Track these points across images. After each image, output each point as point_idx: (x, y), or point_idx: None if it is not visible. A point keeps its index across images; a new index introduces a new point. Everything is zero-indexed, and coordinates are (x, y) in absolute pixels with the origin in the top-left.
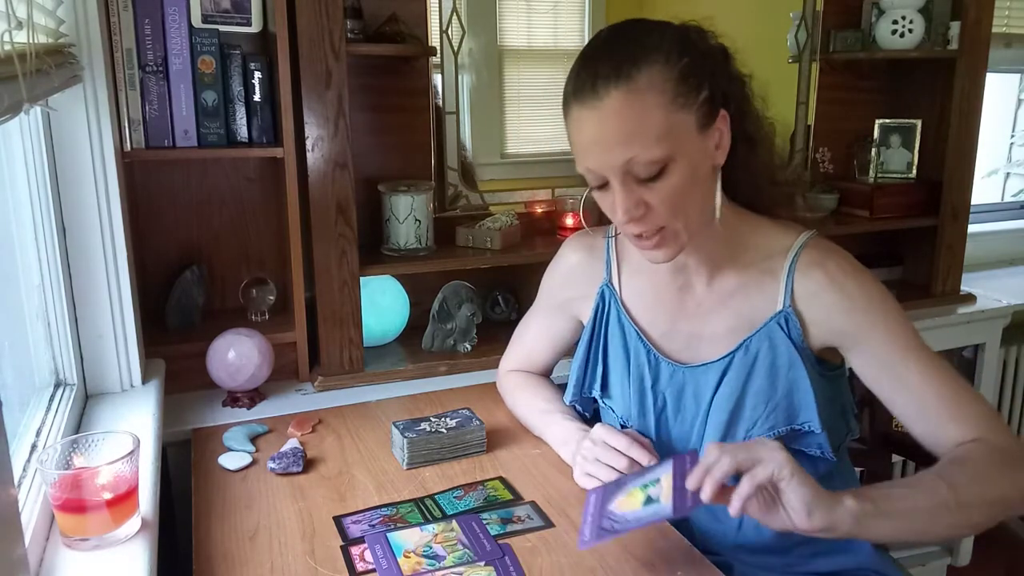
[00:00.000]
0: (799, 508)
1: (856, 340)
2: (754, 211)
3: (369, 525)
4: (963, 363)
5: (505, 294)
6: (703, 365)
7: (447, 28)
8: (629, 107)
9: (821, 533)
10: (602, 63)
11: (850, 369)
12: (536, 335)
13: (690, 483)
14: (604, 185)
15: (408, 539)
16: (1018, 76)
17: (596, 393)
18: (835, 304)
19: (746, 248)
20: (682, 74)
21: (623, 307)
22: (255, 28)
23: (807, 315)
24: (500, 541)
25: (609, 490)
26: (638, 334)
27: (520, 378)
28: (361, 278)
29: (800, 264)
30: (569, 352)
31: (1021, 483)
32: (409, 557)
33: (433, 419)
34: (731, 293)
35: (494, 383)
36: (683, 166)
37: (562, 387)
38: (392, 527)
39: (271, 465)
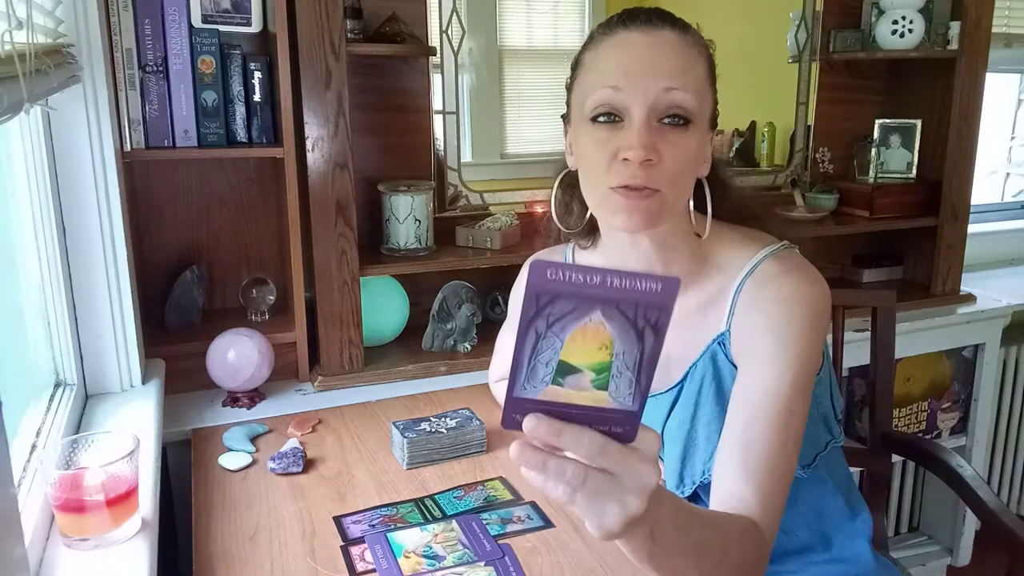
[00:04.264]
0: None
1: (742, 357)
2: (727, 221)
3: (369, 525)
4: (963, 363)
5: (505, 294)
6: (652, 396)
7: (447, 28)
8: (683, 48)
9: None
10: (655, 11)
11: (850, 369)
12: None
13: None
14: (614, 120)
15: (408, 539)
16: (1018, 76)
17: None
18: (752, 324)
19: (708, 264)
20: (711, 67)
21: None
22: (255, 28)
23: (733, 331)
24: (500, 541)
25: None
26: None
27: None
28: (361, 278)
29: (748, 282)
30: None
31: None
32: (409, 557)
33: (433, 419)
34: (688, 315)
35: None
36: (696, 136)
37: None
38: (392, 527)
39: (271, 465)
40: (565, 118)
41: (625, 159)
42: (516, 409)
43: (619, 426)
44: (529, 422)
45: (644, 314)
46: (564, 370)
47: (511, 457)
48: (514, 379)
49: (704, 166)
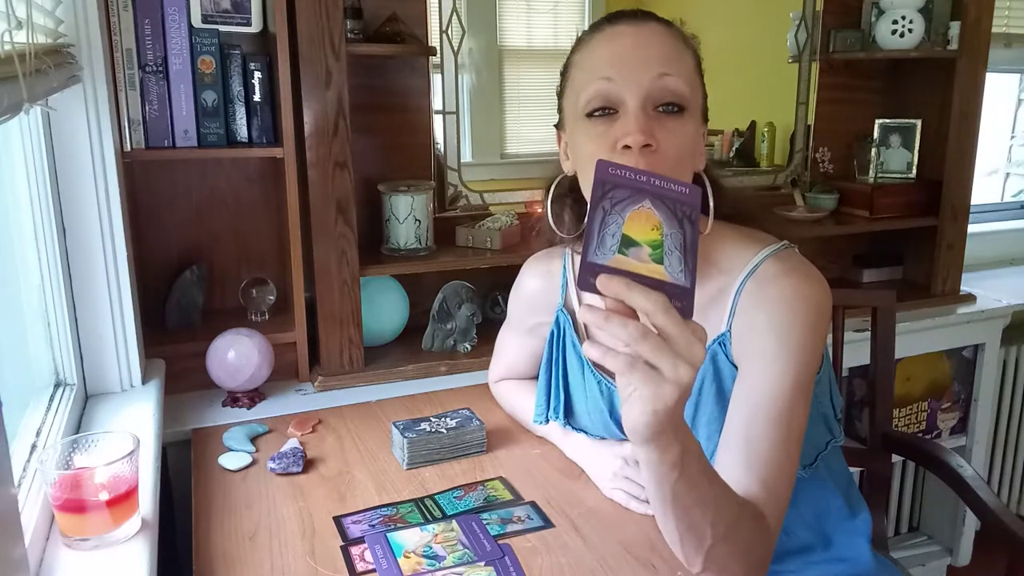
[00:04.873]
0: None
1: (743, 357)
2: (727, 220)
3: (369, 525)
4: (963, 363)
5: (505, 294)
6: None
7: (447, 28)
8: (671, 40)
9: (638, 442)
10: (639, 10)
11: (850, 369)
12: (516, 352)
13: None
14: (608, 112)
15: (408, 539)
16: (1018, 76)
17: (560, 421)
18: (754, 324)
19: (709, 264)
20: (698, 60)
21: (578, 333)
22: (255, 28)
23: (734, 331)
24: (500, 541)
25: None
26: (591, 365)
27: (513, 384)
28: (361, 278)
29: (750, 282)
30: None
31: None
32: (409, 557)
33: (433, 419)
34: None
35: None
36: (692, 124)
37: None
38: (392, 527)
39: (271, 465)
40: (558, 126)
41: (625, 147)
42: (589, 272)
43: (677, 300)
44: (603, 279)
45: (680, 208)
46: (627, 242)
47: (579, 318)
48: (587, 247)
49: (700, 159)
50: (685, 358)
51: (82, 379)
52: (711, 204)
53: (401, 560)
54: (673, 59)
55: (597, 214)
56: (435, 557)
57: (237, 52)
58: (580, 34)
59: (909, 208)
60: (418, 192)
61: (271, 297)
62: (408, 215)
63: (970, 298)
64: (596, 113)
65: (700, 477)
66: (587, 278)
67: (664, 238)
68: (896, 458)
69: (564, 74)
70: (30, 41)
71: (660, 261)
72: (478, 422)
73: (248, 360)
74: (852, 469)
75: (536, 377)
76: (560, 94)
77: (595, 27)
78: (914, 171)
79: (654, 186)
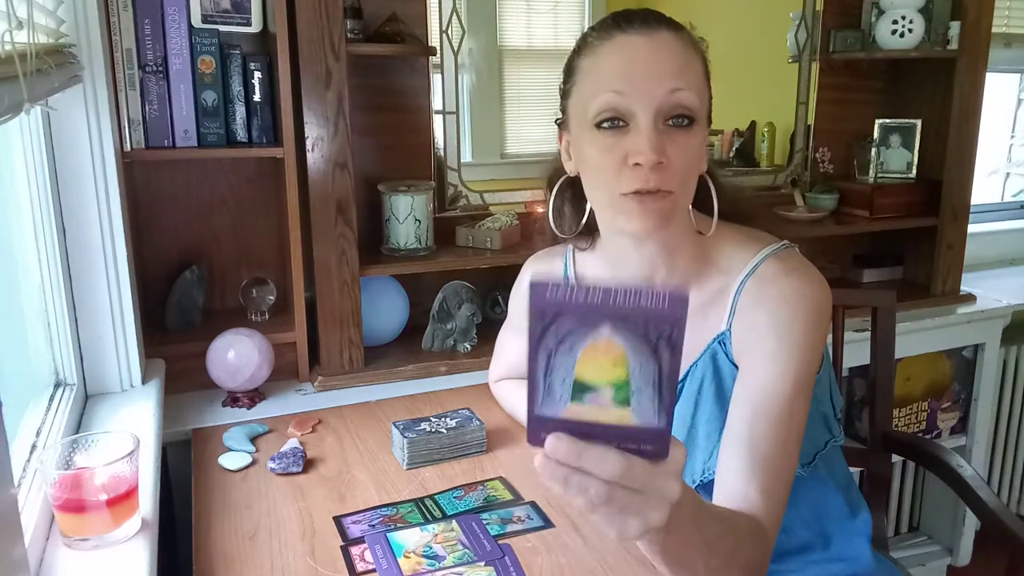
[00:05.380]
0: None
1: (744, 356)
2: (726, 220)
3: (369, 525)
4: (963, 363)
5: (505, 294)
6: None
7: (447, 28)
8: (682, 48)
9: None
10: (651, 13)
11: (850, 369)
12: (516, 352)
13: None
14: (617, 125)
15: (408, 539)
16: (1018, 76)
17: None
18: (754, 324)
19: (709, 264)
20: (706, 64)
21: None
22: (255, 28)
23: (734, 330)
24: (500, 541)
25: None
26: None
27: (513, 384)
28: (361, 278)
29: (750, 282)
30: None
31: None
32: (409, 557)
33: (433, 419)
34: (689, 315)
35: None
36: (700, 135)
37: None
38: (392, 527)
39: (271, 465)
40: (561, 124)
41: (636, 164)
42: (539, 427)
43: (648, 444)
44: (550, 442)
45: (656, 328)
46: (581, 388)
47: (536, 468)
48: (532, 398)
49: (704, 162)
50: (655, 506)
51: (82, 379)
52: (715, 207)
53: (401, 560)
54: (684, 71)
55: (540, 356)
56: (435, 557)
57: (237, 52)
58: (588, 36)
59: (909, 208)
60: (418, 192)
61: (271, 297)
62: (408, 215)
63: (970, 298)
64: (605, 124)
65: (692, 530)
66: (537, 434)
67: (630, 374)
68: (896, 458)
69: (570, 74)
70: (31, 41)
71: (627, 402)
72: (478, 422)
73: (248, 360)
74: (852, 469)
75: None
76: (565, 94)
77: (604, 30)
78: (914, 171)
79: (614, 306)
